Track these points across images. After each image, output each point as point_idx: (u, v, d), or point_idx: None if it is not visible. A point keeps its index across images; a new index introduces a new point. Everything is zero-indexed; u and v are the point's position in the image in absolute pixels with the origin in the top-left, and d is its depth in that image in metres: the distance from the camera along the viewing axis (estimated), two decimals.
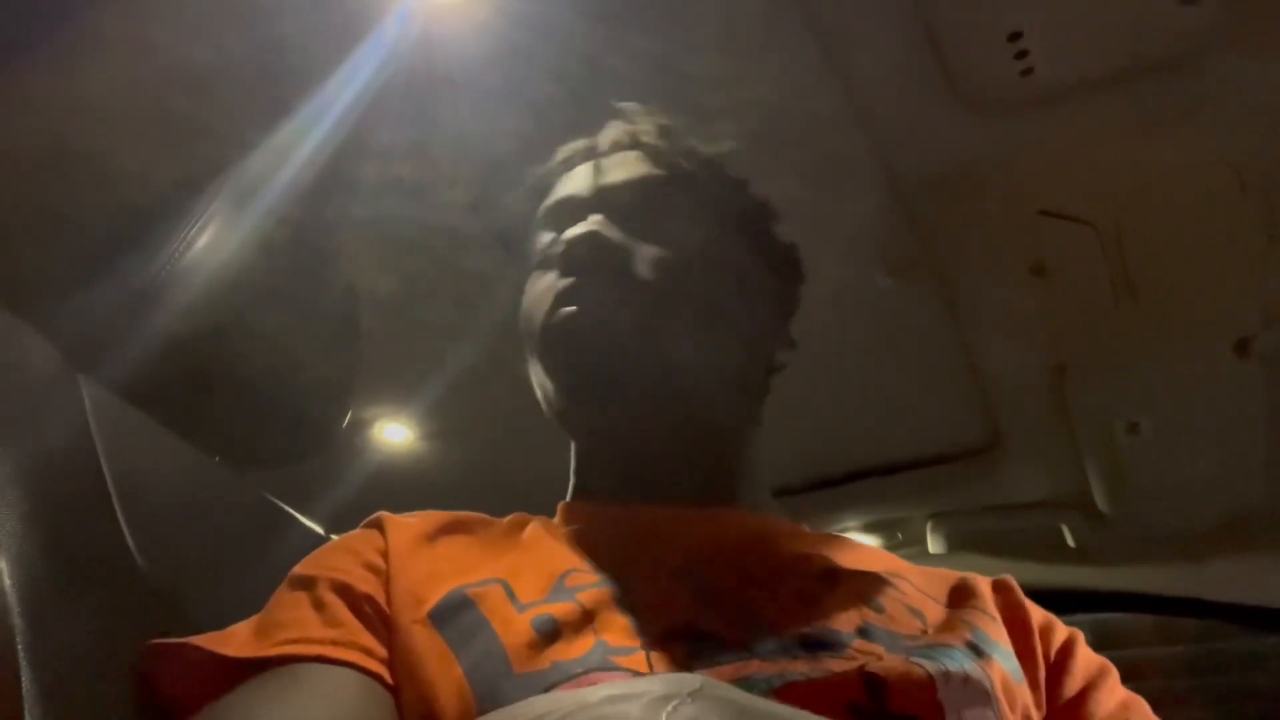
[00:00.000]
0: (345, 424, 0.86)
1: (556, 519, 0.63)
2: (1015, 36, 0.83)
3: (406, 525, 0.56)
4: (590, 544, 0.57)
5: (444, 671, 0.46)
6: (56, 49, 0.85)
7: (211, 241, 0.70)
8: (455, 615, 0.49)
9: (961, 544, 1.60)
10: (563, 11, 0.85)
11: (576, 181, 0.69)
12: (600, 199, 0.65)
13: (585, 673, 0.44)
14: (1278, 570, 1.41)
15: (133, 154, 0.94)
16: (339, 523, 0.72)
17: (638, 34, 0.87)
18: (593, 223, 0.62)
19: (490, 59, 0.90)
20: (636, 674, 0.44)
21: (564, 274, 0.61)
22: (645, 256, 0.62)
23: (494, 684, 0.45)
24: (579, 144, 0.73)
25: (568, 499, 0.67)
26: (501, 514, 0.62)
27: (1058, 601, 1.61)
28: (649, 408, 0.61)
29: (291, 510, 0.75)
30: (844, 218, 0.96)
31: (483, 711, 0.43)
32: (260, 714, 0.44)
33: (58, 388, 0.56)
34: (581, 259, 0.61)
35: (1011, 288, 1.11)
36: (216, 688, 0.46)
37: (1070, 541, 1.51)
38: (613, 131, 0.72)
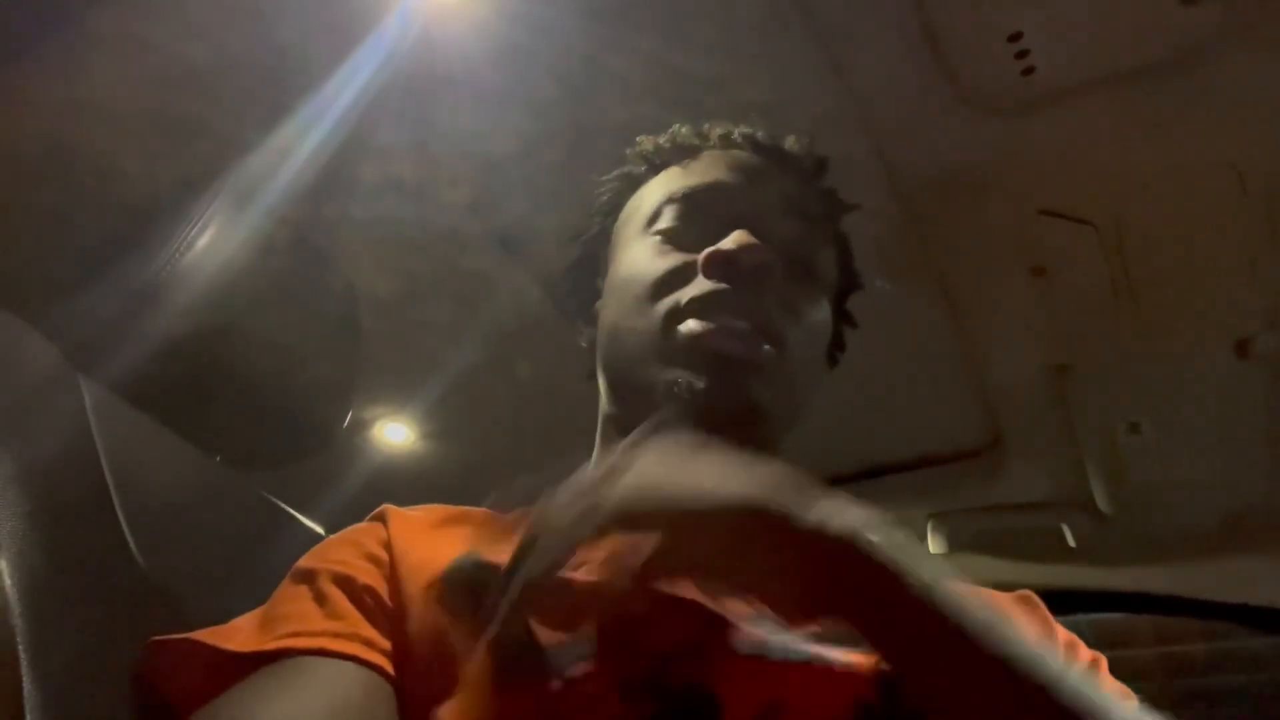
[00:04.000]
0: (345, 424, 0.86)
1: None
2: (1015, 37, 0.83)
3: (410, 517, 0.56)
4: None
5: (461, 631, 0.46)
6: (56, 49, 0.84)
7: (211, 241, 0.70)
8: (470, 577, 0.49)
9: (961, 544, 1.59)
10: (563, 11, 0.85)
11: (732, 186, 0.67)
12: (752, 222, 0.63)
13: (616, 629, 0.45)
14: (1278, 570, 1.41)
15: (133, 154, 0.94)
16: (339, 523, 0.72)
17: (638, 34, 0.87)
18: (760, 247, 0.60)
19: (490, 59, 0.90)
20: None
21: (724, 278, 0.59)
22: (795, 308, 0.63)
23: (518, 655, 0.44)
24: (730, 130, 0.71)
25: None
26: None
27: (1058, 601, 1.61)
28: (770, 436, 0.61)
29: (291, 510, 0.75)
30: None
31: (506, 681, 0.43)
32: (259, 708, 0.44)
33: (58, 388, 0.56)
34: (752, 272, 0.59)
35: (1011, 288, 1.11)
36: (220, 682, 0.46)
37: (1070, 541, 1.51)
38: (777, 163, 0.70)
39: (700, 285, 0.60)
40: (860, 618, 0.40)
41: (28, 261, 1.01)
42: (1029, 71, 0.86)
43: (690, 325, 0.59)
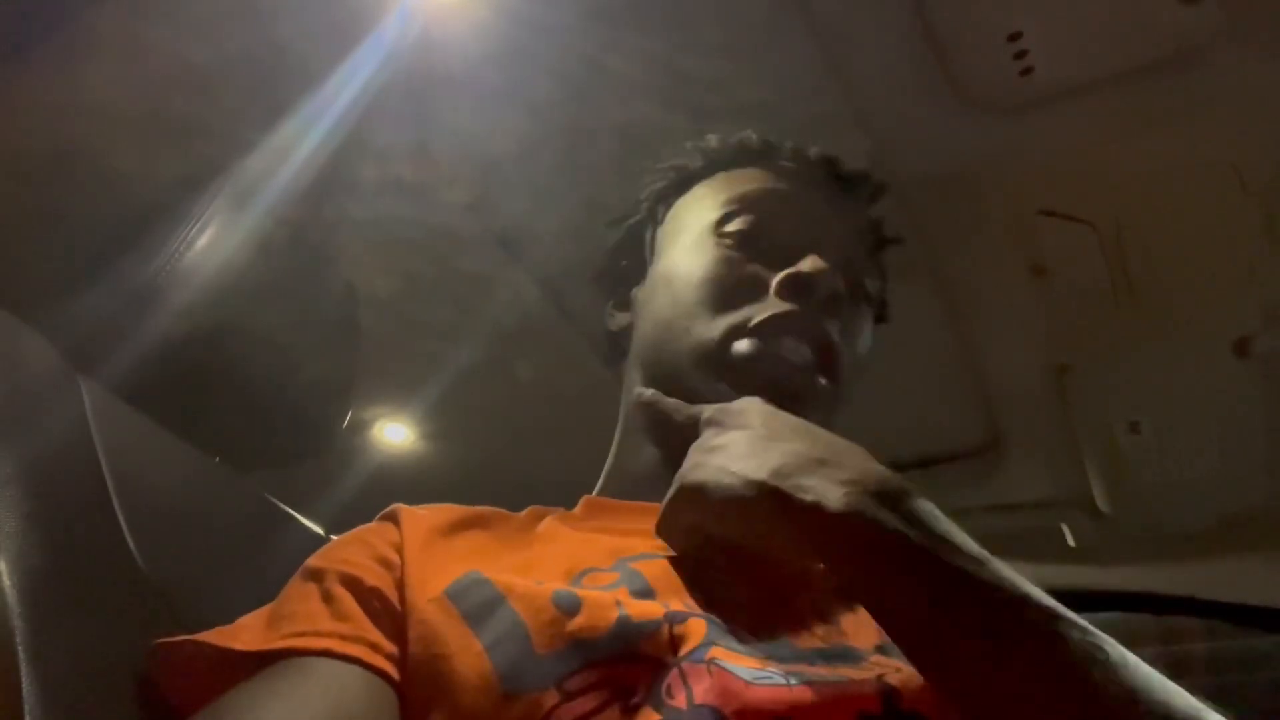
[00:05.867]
0: (345, 424, 0.86)
1: (578, 511, 0.62)
2: (1015, 36, 0.83)
3: (421, 518, 0.56)
4: (612, 541, 0.56)
5: (463, 646, 0.46)
6: (56, 49, 0.84)
7: (211, 241, 0.70)
8: (471, 592, 0.49)
9: None
10: (563, 11, 0.85)
11: (804, 201, 0.67)
12: (821, 242, 0.63)
13: (614, 638, 0.45)
14: (1278, 570, 1.41)
15: (133, 154, 0.94)
16: (339, 523, 0.72)
17: (638, 34, 0.87)
18: (833, 274, 0.60)
19: (490, 59, 0.90)
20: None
21: (796, 301, 0.60)
22: (853, 337, 0.64)
23: (515, 662, 0.44)
24: (800, 147, 0.71)
25: (596, 493, 0.66)
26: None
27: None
28: None
29: (291, 510, 0.75)
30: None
31: (505, 690, 0.43)
32: (263, 708, 0.43)
33: (58, 388, 0.56)
34: (825, 299, 0.60)
35: (1011, 288, 1.11)
36: (225, 681, 0.46)
37: (1070, 541, 1.51)
38: (845, 187, 0.70)
39: (771, 305, 0.60)
40: (860, 590, 0.43)
41: (28, 261, 1.01)
42: (1028, 71, 0.86)
43: (745, 346, 0.59)
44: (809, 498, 0.43)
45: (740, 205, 0.66)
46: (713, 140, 0.72)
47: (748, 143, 0.71)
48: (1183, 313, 1.11)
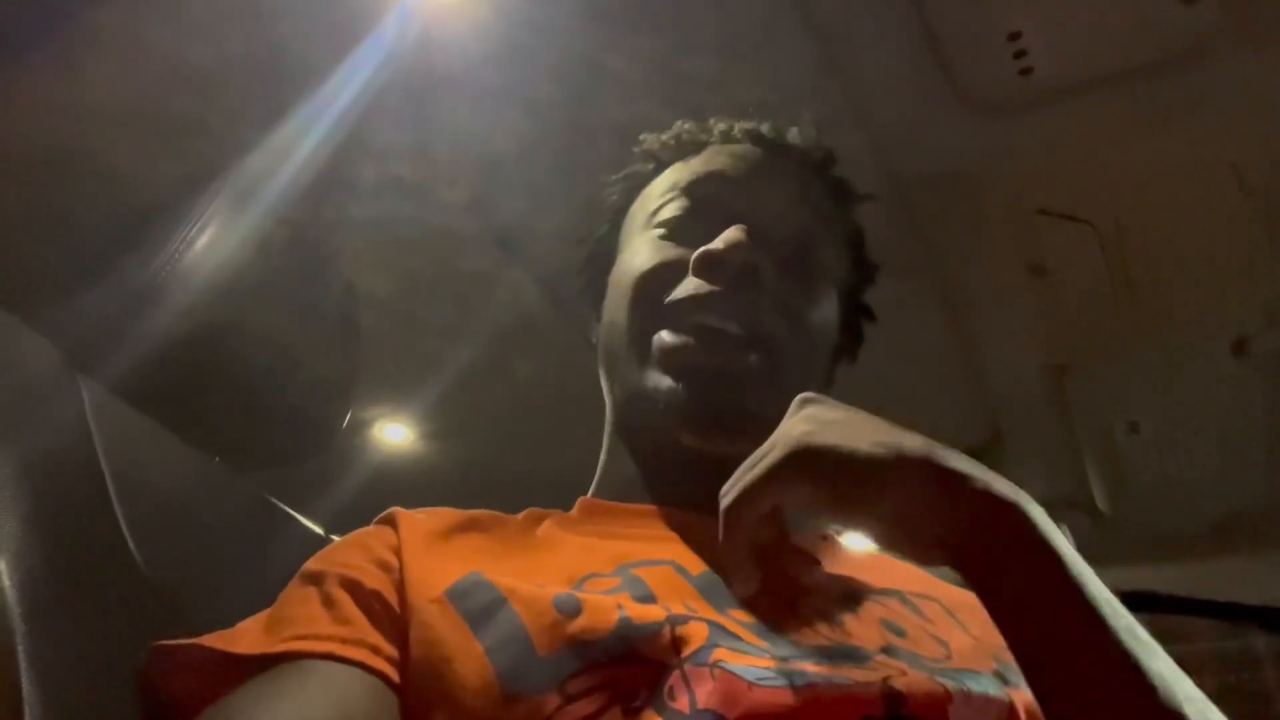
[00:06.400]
0: (345, 424, 0.86)
1: (575, 513, 0.62)
2: (1015, 36, 0.83)
3: (420, 522, 0.56)
4: (613, 546, 0.56)
5: (464, 649, 0.46)
6: (56, 49, 0.85)
7: (211, 241, 0.70)
8: (471, 593, 0.49)
9: None
10: (563, 11, 0.85)
11: (732, 178, 0.65)
12: (752, 216, 0.61)
13: (616, 639, 0.44)
14: (1278, 570, 1.41)
15: (133, 154, 0.94)
16: (339, 523, 0.72)
17: (638, 34, 0.87)
18: (749, 246, 0.58)
19: (490, 59, 0.90)
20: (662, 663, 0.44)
21: (713, 279, 0.58)
22: (791, 307, 0.61)
23: (516, 664, 0.44)
24: (732, 125, 0.69)
25: (590, 495, 0.66)
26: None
27: None
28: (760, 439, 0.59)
29: (291, 510, 0.75)
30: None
31: (506, 692, 0.43)
32: (265, 711, 0.43)
33: (58, 388, 0.56)
34: (740, 274, 0.58)
35: (1011, 287, 1.11)
36: (225, 685, 0.46)
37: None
38: (780, 156, 0.68)
39: (688, 286, 0.59)
40: (999, 577, 0.42)
41: (28, 261, 1.01)
42: (1027, 71, 0.86)
43: (666, 333, 0.58)
44: (977, 480, 0.42)
45: (674, 193, 0.65)
46: (652, 140, 0.72)
47: (684, 134, 0.70)
48: (1182, 313, 1.11)
